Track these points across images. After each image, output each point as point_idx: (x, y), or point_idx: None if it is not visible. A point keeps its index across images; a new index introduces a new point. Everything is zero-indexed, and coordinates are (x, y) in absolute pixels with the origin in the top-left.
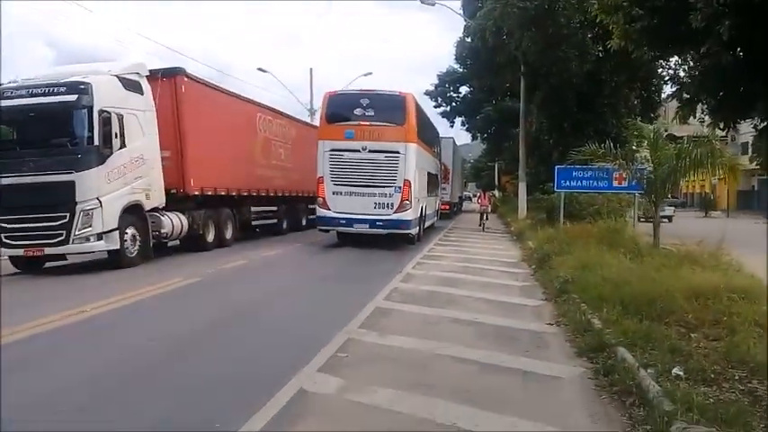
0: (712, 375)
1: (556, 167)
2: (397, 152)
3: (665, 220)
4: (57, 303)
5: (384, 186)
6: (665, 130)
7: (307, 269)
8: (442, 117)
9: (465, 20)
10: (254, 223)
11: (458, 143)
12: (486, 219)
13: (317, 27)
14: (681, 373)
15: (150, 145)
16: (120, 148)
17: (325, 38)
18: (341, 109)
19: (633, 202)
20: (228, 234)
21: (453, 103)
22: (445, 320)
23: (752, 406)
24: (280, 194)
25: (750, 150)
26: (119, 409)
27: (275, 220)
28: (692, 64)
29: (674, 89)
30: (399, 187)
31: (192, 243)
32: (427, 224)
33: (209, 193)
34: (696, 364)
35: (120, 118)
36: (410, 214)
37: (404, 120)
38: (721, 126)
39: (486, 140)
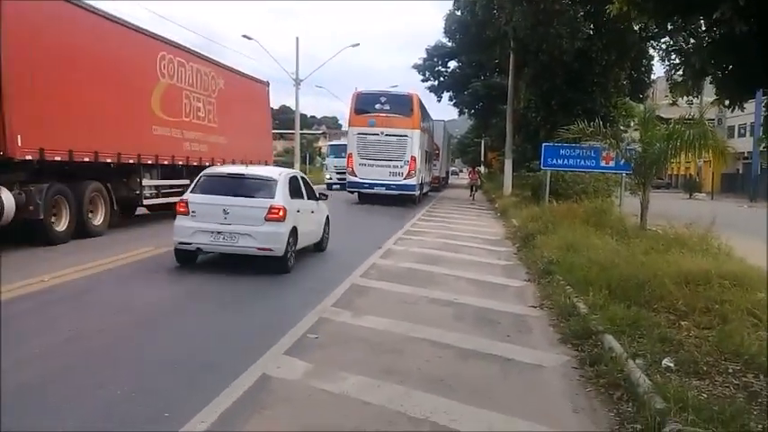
0: (705, 368)
1: (543, 145)
2: (406, 136)
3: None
4: None
5: (396, 160)
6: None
7: None
8: (430, 92)
9: None
10: (147, 202)
11: (445, 119)
12: (475, 191)
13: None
14: (671, 365)
15: None
16: None
17: (313, 8)
18: (365, 104)
19: (620, 182)
20: (98, 219)
21: (441, 78)
22: (423, 300)
23: (748, 403)
24: (195, 164)
25: (751, 132)
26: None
27: None
28: (699, 34)
29: (674, 62)
30: (407, 161)
31: (28, 232)
32: (425, 190)
33: (59, 158)
34: (687, 355)
35: None
36: (414, 181)
37: (410, 113)
38: (727, 103)
39: (474, 116)
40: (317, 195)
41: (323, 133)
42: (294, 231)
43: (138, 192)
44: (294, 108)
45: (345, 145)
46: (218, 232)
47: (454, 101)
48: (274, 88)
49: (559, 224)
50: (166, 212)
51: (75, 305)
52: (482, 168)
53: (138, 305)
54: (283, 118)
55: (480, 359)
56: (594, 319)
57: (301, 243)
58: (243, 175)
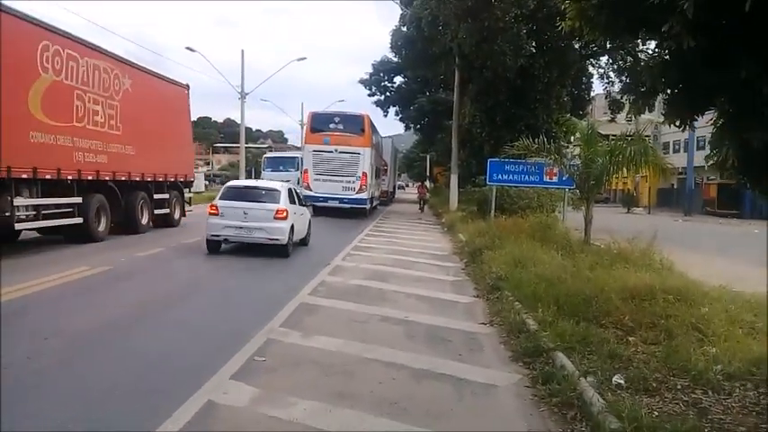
0: (654, 384)
1: (489, 160)
2: (358, 153)
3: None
4: None
5: (349, 176)
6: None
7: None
8: (376, 106)
9: (401, 8)
10: (22, 226)
11: (391, 133)
12: (424, 204)
13: (252, 11)
14: (622, 382)
15: None
16: None
17: (260, 22)
18: (320, 124)
19: (564, 197)
20: None
21: (388, 93)
22: (374, 319)
23: (699, 420)
24: (91, 178)
25: (706, 147)
26: None
27: (79, 219)
28: (636, 53)
29: (626, 81)
30: (359, 177)
31: None
32: (374, 204)
33: None
34: (637, 372)
35: None
36: (365, 195)
37: (362, 132)
38: (677, 123)
39: (420, 131)
40: (304, 203)
41: (269, 147)
42: (292, 228)
43: (8, 213)
44: (239, 121)
45: (284, 157)
46: (240, 227)
47: (400, 116)
48: (220, 101)
49: (506, 239)
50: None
51: None
52: (428, 183)
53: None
54: (228, 131)
55: (433, 379)
56: (545, 336)
57: (296, 237)
58: (256, 186)
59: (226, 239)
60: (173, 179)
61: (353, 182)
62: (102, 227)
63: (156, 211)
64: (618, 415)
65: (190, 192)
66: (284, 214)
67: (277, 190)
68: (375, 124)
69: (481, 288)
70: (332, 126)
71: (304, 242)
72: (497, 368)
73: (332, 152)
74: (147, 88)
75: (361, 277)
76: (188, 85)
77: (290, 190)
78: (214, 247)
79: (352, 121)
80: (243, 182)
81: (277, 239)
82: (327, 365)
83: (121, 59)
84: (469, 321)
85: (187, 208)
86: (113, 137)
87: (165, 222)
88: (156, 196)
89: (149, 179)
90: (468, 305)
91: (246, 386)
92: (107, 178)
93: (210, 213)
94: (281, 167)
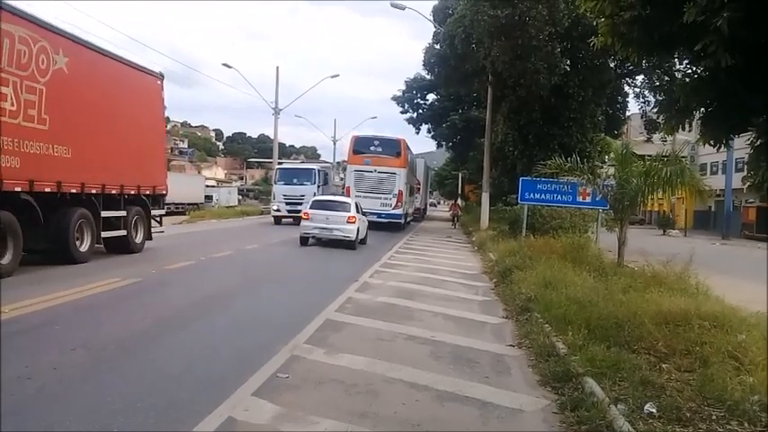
0: (688, 414)
1: (521, 179)
2: (395, 173)
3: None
4: None
5: (386, 193)
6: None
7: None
8: (408, 123)
9: (435, 26)
10: None
11: (422, 151)
12: (457, 220)
13: (285, 26)
14: (654, 411)
15: None
16: None
17: (293, 37)
18: (361, 146)
19: (597, 217)
20: None
21: (420, 110)
22: (400, 338)
23: None
24: None
25: (744, 169)
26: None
27: None
28: (673, 71)
29: (659, 100)
30: (395, 194)
31: None
32: (408, 219)
33: None
34: (670, 401)
35: None
36: (401, 211)
37: (399, 154)
38: (712, 142)
39: (452, 149)
40: (364, 213)
41: (301, 162)
42: (358, 229)
43: None
44: (273, 137)
45: (299, 170)
46: (324, 228)
47: (432, 133)
48: (254, 117)
49: (537, 259)
50: None
51: None
52: (460, 201)
53: None
54: (262, 147)
55: (458, 402)
56: (574, 361)
57: (360, 236)
58: (334, 200)
59: (313, 236)
60: (133, 191)
61: (390, 198)
62: (7, 255)
63: (106, 234)
64: None
65: (162, 207)
66: (354, 220)
67: (348, 203)
68: (409, 146)
69: (510, 309)
70: (371, 149)
71: (363, 241)
72: (525, 392)
73: (371, 172)
74: (96, 71)
75: (388, 295)
76: (162, 75)
77: (356, 203)
78: (304, 241)
79: (390, 145)
80: (325, 196)
81: (348, 237)
82: (351, 384)
83: (54, 29)
84: (497, 343)
85: (156, 228)
86: (33, 132)
87: (122, 247)
88: (105, 214)
89: (94, 191)
90: (496, 326)
91: (268, 403)
92: (18, 189)
93: (303, 218)
94: (294, 180)
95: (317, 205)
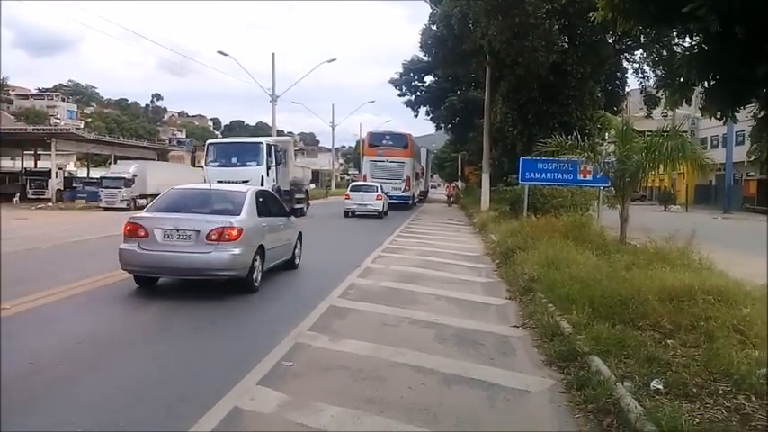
0: (694, 389)
1: (521, 159)
2: (403, 162)
3: None
4: None
5: (397, 179)
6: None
7: None
8: (407, 106)
9: (431, 7)
10: None
11: (421, 134)
12: (453, 200)
13: (281, 13)
14: (660, 387)
15: None
16: None
17: (288, 25)
18: (374, 141)
19: (598, 195)
20: None
21: (418, 93)
22: (405, 322)
23: (742, 427)
24: None
25: (745, 142)
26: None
27: None
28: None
29: (660, 75)
30: (404, 180)
31: None
32: (415, 200)
33: None
34: (676, 377)
35: None
36: (409, 194)
37: (406, 147)
38: (718, 115)
39: (450, 131)
40: (385, 193)
41: (300, 149)
42: (383, 204)
43: None
44: (271, 124)
45: (242, 144)
46: (360, 204)
47: (431, 116)
48: (251, 105)
49: (539, 239)
50: None
51: None
52: (460, 183)
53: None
54: (261, 134)
55: (465, 385)
56: (579, 340)
57: (383, 209)
58: (366, 184)
59: (353, 211)
60: None
61: (400, 183)
62: None
63: None
64: (657, 422)
65: None
66: (381, 198)
67: (376, 186)
68: (415, 139)
69: (513, 290)
70: (384, 142)
71: (385, 213)
72: (530, 373)
73: (384, 162)
74: None
75: (391, 279)
76: None
77: (380, 186)
78: (347, 213)
79: (399, 139)
80: (361, 182)
81: (378, 209)
82: (356, 370)
83: None
84: (502, 324)
85: None
86: None
87: None
88: None
89: None
90: (500, 307)
91: (274, 391)
92: None
93: (345, 198)
94: (234, 160)
95: (355, 188)
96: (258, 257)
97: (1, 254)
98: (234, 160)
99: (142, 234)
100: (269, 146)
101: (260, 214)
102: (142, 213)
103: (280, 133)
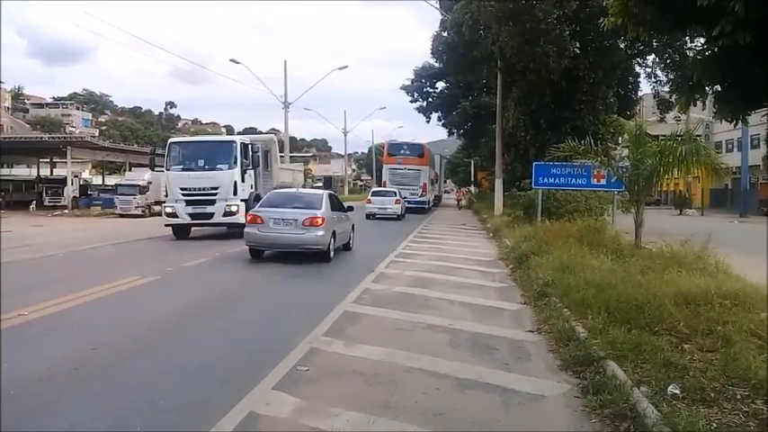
0: (712, 394)
1: (534, 164)
2: (419, 170)
3: None
4: None
5: (414, 186)
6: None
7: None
8: (419, 112)
9: (442, 13)
10: None
11: (433, 140)
12: (462, 204)
13: (291, 18)
14: (677, 392)
15: None
16: None
17: (300, 29)
18: (393, 150)
19: (612, 199)
20: None
21: (430, 99)
22: (419, 327)
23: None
24: None
25: (760, 145)
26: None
27: None
28: (684, 49)
29: (672, 78)
30: (421, 186)
31: None
32: (431, 204)
33: None
34: (693, 381)
35: None
36: (425, 199)
37: (422, 156)
38: (729, 118)
39: (463, 136)
40: (404, 198)
41: (313, 156)
42: (402, 208)
43: None
44: (283, 131)
45: (208, 144)
46: (381, 207)
47: (443, 121)
48: (264, 111)
49: (553, 244)
50: None
51: None
52: (472, 188)
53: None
54: None
55: (479, 390)
56: (595, 344)
57: (401, 212)
58: (386, 190)
59: (374, 214)
60: None
61: (417, 189)
62: None
63: None
64: (674, 427)
65: None
66: (399, 202)
67: (395, 191)
68: (430, 149)
69: (528, 295)
70: (402, 152)
71: (403, 216)
72: (546, 378)
73: (402, 170)
74: None
75: (405, 284)
76: None
77: (398, 191)
78: (369, 216)
79: (416, 149)
80: (380, 188)
81: (396, 213)
82: (371, 375)
83: None
84: (516, 329)
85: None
86: None
87: None
88: None
89: None
90: (514, 312)
91: (289, 396)
92: None
93: (367, 203)
94: (200, 163)
95: (375, 194)
96: (332, 239)
97: (1, 260)
98: (201, 163)
99: (259, 221)
100: (244, 145)
101: (332, 209)
102: (258, 208)
103: (292, 140)
